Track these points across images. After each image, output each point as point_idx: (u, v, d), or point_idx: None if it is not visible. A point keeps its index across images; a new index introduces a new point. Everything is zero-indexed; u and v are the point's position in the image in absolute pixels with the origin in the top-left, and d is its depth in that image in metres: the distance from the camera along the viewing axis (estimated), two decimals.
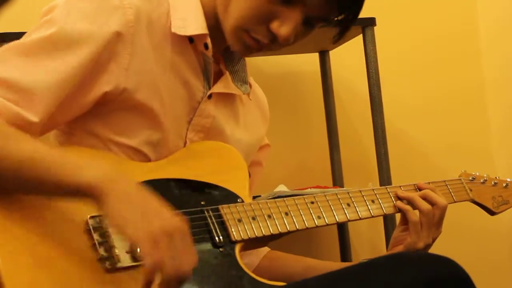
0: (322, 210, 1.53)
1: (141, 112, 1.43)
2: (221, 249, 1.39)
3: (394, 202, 1.61)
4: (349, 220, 1.57)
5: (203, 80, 1.51)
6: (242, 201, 1.47)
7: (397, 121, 2.78)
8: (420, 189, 1.64)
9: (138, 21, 1.40)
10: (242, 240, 1.41)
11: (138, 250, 1.20)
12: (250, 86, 1.61)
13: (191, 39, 1.47)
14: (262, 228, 1.44)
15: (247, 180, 1.53)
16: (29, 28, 1.41)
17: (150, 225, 1.17)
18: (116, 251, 1.27)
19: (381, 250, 2.45)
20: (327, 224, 1.53)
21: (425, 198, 1.60)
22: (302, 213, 1.51)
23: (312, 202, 1.53)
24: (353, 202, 1.58)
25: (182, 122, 1.50)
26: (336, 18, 1.45)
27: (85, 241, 1.27)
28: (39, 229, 1.25)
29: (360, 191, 1.60)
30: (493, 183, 1.80)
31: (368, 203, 1.59)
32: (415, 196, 1.60)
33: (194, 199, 1.43)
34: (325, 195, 1.55)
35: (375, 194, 1.61)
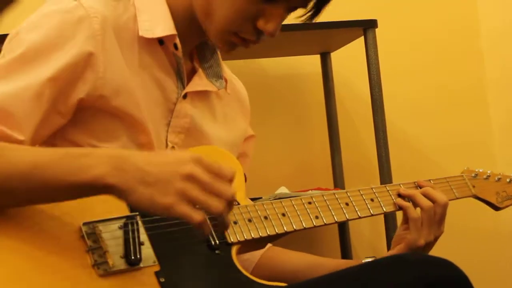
0: (319, 210, 1.52)
1: (121, 117, 1.42)
2: (217, 252, 1.39)
3: (394, 200, 1.61)
4: (348, 220, 1.56)
5: (177, 81, 1.50)
6: (238, 204, 1.46)
7: (398, 123, 2.78)
8: (420, 187, 1.64)
9: (105, 29, 1.39)
10: (239, 242, 1.41)
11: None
12: (226, 80, 1.59)
13: (161, 41, 1.47)
14: (258, 229, 1.44)
15: (243, 183, 1.53)
16: None
17: (169, 189, 1.18)
18: (110, 256, 1.27)
19: (382, 250, 2.45)
20: (325, 224, 1.52)
21: (425, 195, 1.60)
22: (299, 214, 1.50)
23: (310, 203, 1.52)
24: (351, 201, 1.57)
25: (161, 126, 1.49)
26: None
27: (79, 248, 1.27)
28: (33, 236, 1.25)
29: (359, 190, 1.59)
30: (496, 178, 1.79)
31: (367, 202, 1.58)
32: (416, 193, 1.60)
33: None
34: (322, 195, 1.55)
35: (374, 192, 1.60)
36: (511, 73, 2.80)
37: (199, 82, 1.53)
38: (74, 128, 1.41)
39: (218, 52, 1.59)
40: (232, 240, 1.41)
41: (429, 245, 1.59)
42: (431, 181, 1.67)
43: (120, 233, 1.29)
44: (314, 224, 1.51)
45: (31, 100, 1.32)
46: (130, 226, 1.30)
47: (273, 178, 2.51)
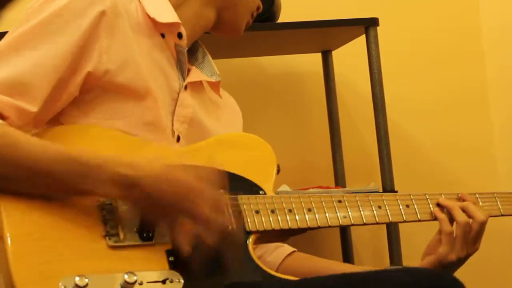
0: (349, 210, 1.50)
1: (126, 95, 1.43)
2: (233, 239, 1.38)
3: (432, 209, 1.56)
4: (377, 223, 1.53)
5: (178, 72, 1.53)
6: (264, 193, 1.46)
7: (399, 121, 2.77)
8: (463, 200, 1.58)
9: (116, 7, 1.42)
10: (257, 232, 1.41)
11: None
12: (219, 77, 1.63)
13: (162, 35, 1.50)
14: (280, 221, 1.43)
15: (273, 174, 1.52)
16: None
17: (173, 219, 1.29)
18: (122, 229, 1.30)
19: (384, 257, 2.43)
20: (352, 224, 1.50)
21: (464, 210, 1.55)
22: (326, 211, 1.48)
23: (340, 201, 1.50)
24: (385, 205, 1.53)
25: (166, 112, 1.50)
26: None
27: (94, 217, 1.30)
28: (51, 202, 1.29)
29: (395, 195, 1.56)
30: None
31: (401, 207, 1.54)
32: (455, 206, 1.55)
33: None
34: (355, 196, 1.52)
35: (412, 199, 1.56)
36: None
37: (197, 75, 1.56)
38: (80, 110, 1.42)
39: (208, 54, 1.63)
40: (251, 228, 1.40)
41: (461, 261, 1.55)
42: (477, 194, 1.61)
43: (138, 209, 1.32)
44: (340, 223, 1.49)
45: (49, 69, 1.36)
46: None
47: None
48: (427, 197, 1.57)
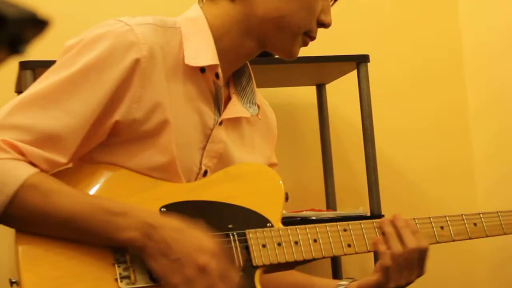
0: (354, 239, 1.47)
1: (147, 139, 1.41)
2: (241, 273, 1.37)
3: (437, 234, 1.52)
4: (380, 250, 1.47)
5: (214, 107, 1.48)
6: (272, 226, 1.43)
7: (387, 150, 2.80)
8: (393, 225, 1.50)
9: (152, 55, 1.38)
10: (264, 266, 1.39)
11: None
12: (258, 107, 1.56)
13: (202, 69, 1.45)
14: (286, 254, 1.41)
15: (282, 204, 1.48)
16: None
17: (184, 272, 1.28)
18: (134, 271, 1.31)
19: (370, 267, 2.46)
20: (356, 253, 1.46)
21: (399, 237, 1.47)
22: (331, 241, 1.45)
23: (345, 230, 1.46)
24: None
25: (195, 149, 1.46)
26: None
27: (108, 260, 1.31)
28: (67, 247, 1.30)
29: (405, 220, 1.49)
30: None
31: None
32: (391, 233, 1.47)
33: (222, 222, 1.41)
34: (360, 223, 1.48)
35: (416, 223, 1.51)
36: (491, 102, 2.83)
37: (234, 109, 1.51)
38: (102, 151, 1.42)
39: (253, 79, 1.58)
40: (257, 263, 1.39)
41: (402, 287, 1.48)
42: (481, 214, 1.58)
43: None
44: (345, 252, 1.46)
45: (79, 126, 1.34)
46: None
47: None
48: (431, 220, 1.52)
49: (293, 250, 1.41)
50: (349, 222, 1.47)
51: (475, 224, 1.57)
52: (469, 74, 2.94)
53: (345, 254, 1.47)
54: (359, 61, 2.44)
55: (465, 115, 2.94)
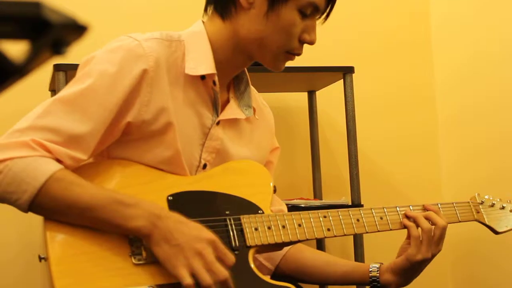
0: (332, 224, 1.50)
1: (155, 137, 1.44)
2: (236, 252, 1.40)
3: (401, 219, 1.57)
4: (355, 233, 1.55)
5: (212, 109, 1.52)
6: (263, 212, 1.47)
7: (367, 149, 2.84)
8: (426, 210, 1.60)
9: (158, 65, 1.42)
10: (256, 246, 1.43)
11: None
12: (254, 109, 1.61)
13: (202, 76, 1.48)
14: (275, 236, 1.44)
15: (271, 194, 1.52)
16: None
17: (185, 255, 1.29)
18: (145, 248, 1.34)
19: (349, 250, 2.48)
20: (335, 236, 1.51)
21: (427, 218, 1.56)
22: (313, 225, 1.48)
23: (325, 216, 1.50)
24: (362, 217, 1.54)
25: (196, 145, 1.49)
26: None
27: (123, 239, 1.34)
28: (87, 229, 1.33)
29: (371, 209, 1.56)
30: (501, 206, 1.72)
31: (376, 219, 1.55)
32: (419, 215, 1.56)
33: (221, 209, 1.45)
34: (337, 211, 1.53)
35: (385, 212, 1.57)
36: (459, 116, 2.85)
37: (231, 112, 1.55)
38: (117, 148, 1.45)
39: (250, 85, 1.62)
40: (250, 243, 1.42)
41: (426, 260, 1.56)
42: (439, 204, 1.63)
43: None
44: (325, 235, 1.50)
45: (97, 128, 1.37)
46: None
47: None
48: (398, 209, 1.58)
49: (281, 233, 1.45)
50: (328, 210, 1.53)
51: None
52: (439, 84, 2.97)
53: (325, 237, 1.52)
54: (346, 72, 2.47)
55: (434, 117, 2.96)
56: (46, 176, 1.29)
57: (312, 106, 2.75)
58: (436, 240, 1.55)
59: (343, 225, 1.51)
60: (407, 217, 1.58)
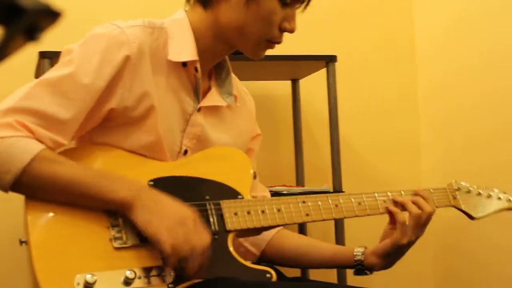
0: (311, 209, 1.50)
1: (137, 123, 1.44)
2: (216, 237, 1.41)
3: (379, 205, 1.56)
4: (334, 218, 1.57)
5: (194, 96, 1.52)
6: (242, 197, 1.47)
7: (349, 137, 2.84)
8: (417, 195, 1.59)
9: (141, 52, 1.42)
10: (235, 230, 1.43)
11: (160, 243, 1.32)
12: (235, 97, 1.62)
13: (184, 63, 1.49)
14: (254, 221, 1.44)
15: (250, 180, 1.53)
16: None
17: (166, 223, 1.30)
18: (126, 232, 1.34)
19: (331, 234, 2.48)
20: (314, 221, 1.51)
21: (415, 203, 1.56)
22: (292, 210, 1.49)
23: (304, 202, 1.51)
24: (341, 203, 1.54)
25: (177, 131, 1.50)
26: None
27: (103, 223, 1.35)
28: (68, 213, 1.34)
29: (350, 195, 1.56)
30: (477, 192, 1.71)
31: (354, 205, 1.55)
32: (408, 201, 1.56)
33: (201, 194, 1.45)
34: (316, 196, 1.53)
35: (363, 198, 1.56)
36: (441, 106, 2.86)
37: (212, 99, 1.56)
38: (100, 133, 1.46)
39: (232, 73, 1.63)
40: (230, 228, 1.42)
41: (411, 243, 1.56)
42: (431, 189, 1.64)
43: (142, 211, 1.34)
44: (303, 220, 1.50)
45: (79, 112, 1.38)
46: None
47: None
48: (376, 195, 1.58)
49: (261, 218, 1.46)
50: (307, 196, 1.53)
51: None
52: (420, 70, 2.98)
53: (304, 222, 1.53)
54: (328, 61, 2.47)
55: (415, 106, 2.98)
56: (31, 156, 1.29)
57: (296, 94, 2.77)
58: (422, 225, 1.56)
59: (321, 210, 1.52)
60: (394, 202, 1.58)
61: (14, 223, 2.33)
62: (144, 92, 1.43)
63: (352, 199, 1.56)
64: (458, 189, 1.70)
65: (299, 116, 2.76)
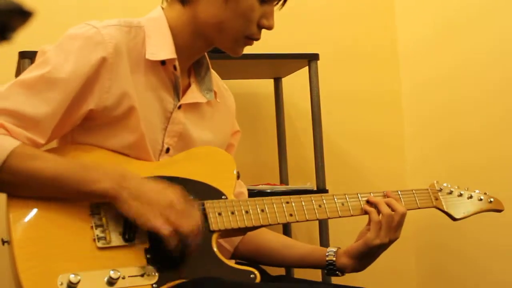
0: (295, 209, 1.50)
1: (118, 123, 1.44)
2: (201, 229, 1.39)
3: (362, 205, 1.56)
4: (318, 219, 1.54)
5: (173, 94, 1.52)
6: (226, 198, 1.46)
7: (332, 135, 2.86)
8: (387, 197, 1.59)
9: (117, 52, 1.41)
10: (219, 230, 1.42)
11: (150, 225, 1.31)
12: (215, 93, 1.61)
13: (163, 61, 1.48)
14: (238, 221, 1.43)
15: (234, 180, 1.52)
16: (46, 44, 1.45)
17: (156, 210, 1.30)
18: (109, 232, 1.33)
19: (315, 234, 2.47)
20: (297, 221, 1.50)
21: (388, 204, 1.55)
22: (276, 211, 1.48)
23: (288, 202, 1.50)
24: (324, 203, 1.53)
25: (158, 130, 1.50)
26: None
27: (87, 223, 1.33)
28: (51, 212, 1.32)
29: (333, 196, 1.56)
30: (458, 193, 1.71)
31: (338, 206, 1.54)
32: (381, 201, 1.56)
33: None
34: (300, 197, 1.52)
35: (346, 198, 1.56)
36: (424, 103, 2.87)
37: (192, 96, 1.56)
38: (81, 133, 1.45)
39: (211, 70, 1.63)
40: (214, 228, 1.41)
41: (383, 245, 1.55)
42: (399, 192, 1.63)
43: (122, 214, 1.33)
44: (287, 220, 1.49)
45: (54, 112, 1.37)
46: None
47: None
48: (359, 196, 1.58)
49: (244, 218, 1.45)
50: (290, 196, 1.52)
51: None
52: (403, 68, 2.98)
53: (288, 222, 1.51)
54: (311, 59, 2.48)
55: (399, 103, 2.99)
56: (7, 152, 1.28)
57: (278, 92, 2.76)
58: (394, 226, 1.55)
59: (305, 210, 1.51)
60: (369, 202, 1.58)
61: None
62: (123, 92, 1.42)
63: (336, 200, 1.55)
64: (440, 190, 1.70)
65: (282, 115, 2.76)
